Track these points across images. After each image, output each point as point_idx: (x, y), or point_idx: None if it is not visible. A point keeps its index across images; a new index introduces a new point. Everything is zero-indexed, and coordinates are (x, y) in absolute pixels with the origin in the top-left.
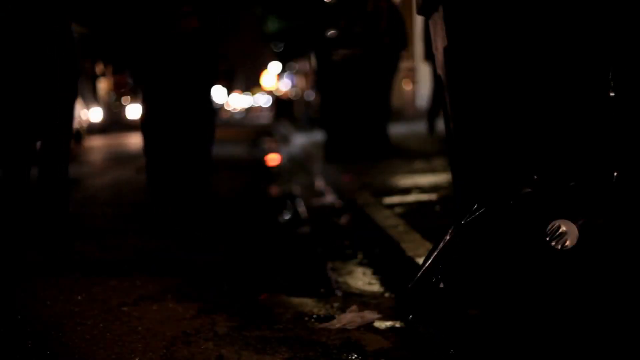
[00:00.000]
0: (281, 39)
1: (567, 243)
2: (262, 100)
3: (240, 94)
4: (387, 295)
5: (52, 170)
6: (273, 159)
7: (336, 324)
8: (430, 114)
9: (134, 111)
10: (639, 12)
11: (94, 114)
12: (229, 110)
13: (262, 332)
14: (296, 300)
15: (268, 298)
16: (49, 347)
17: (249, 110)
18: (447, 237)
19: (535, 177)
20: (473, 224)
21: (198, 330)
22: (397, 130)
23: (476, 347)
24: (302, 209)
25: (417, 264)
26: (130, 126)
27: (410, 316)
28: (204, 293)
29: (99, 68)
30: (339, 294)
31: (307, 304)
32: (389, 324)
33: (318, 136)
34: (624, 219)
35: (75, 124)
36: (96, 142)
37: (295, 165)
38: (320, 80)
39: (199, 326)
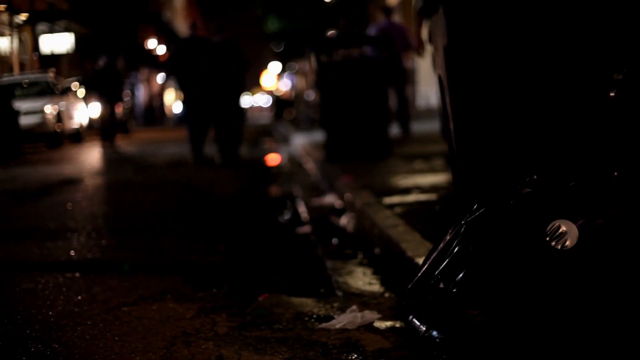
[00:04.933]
0: (281, 39)
1: (567, 243)
2: (262, 100)
3: None
4: (387, 295)
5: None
6: (273, 159)
7: (336, 324)
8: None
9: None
10: (638, 12)
11: (95, 110)
12: None
13: (262, 332)
14: (296, 300)
15: (268, 298)
16: (49, 347)
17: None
18: (447, 237)
19: (535, 177)
20: (473, 224)
21: (198, 330)
22: (397, 130)
23: (476, 347)
24: (302, 209)
25: (417, 264)
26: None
27: (410, 316)
28: (204, 293)
29: (98, 66)
30: (339, 294)
31: (307, 304)
32: (389, 324)
33: (318, 136)
34: (624, 219)
35: (75, 125)
36: (93, 143)
37: (295, 165)
38: (320, 80)
39: (199, 326)
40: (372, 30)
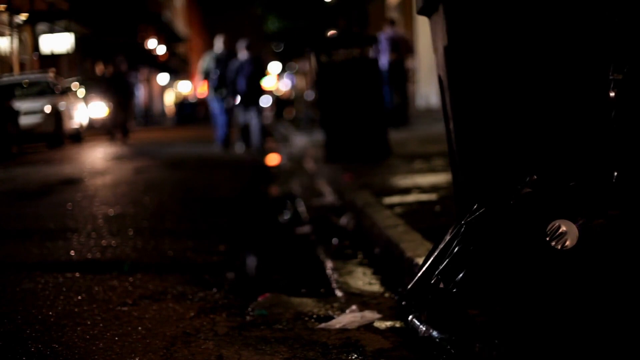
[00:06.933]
0: (281, 39)
1: (567, 243)
2: (262, 100)
3: None
4: (387, 295)
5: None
6: (273, 159)
7: (336, 324)
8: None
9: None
10: (638, 12)
11: (95, 110)
12: None
13: (262, 332)
14: (296, 300)
15: (268, 298)
16: (49, 347)
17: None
18: (447, 237)
19: (535, 177)
20: (473, 224)
21: (198, 330)
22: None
23: (476, 347)
24: (302, 209)
25: (417, 264)
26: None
27: (410, 316)
28: (204, 293)
29: (99, 68)
30: (339, 294)
31: (307, 304)
32: (389, 324)
33: (318, 136)
34: (624, 219)
35: (75, 125)
36: (95, 141)
37: (295, 165)
38: (320, 80)
39: (199, 326)
40: (381, 38)
